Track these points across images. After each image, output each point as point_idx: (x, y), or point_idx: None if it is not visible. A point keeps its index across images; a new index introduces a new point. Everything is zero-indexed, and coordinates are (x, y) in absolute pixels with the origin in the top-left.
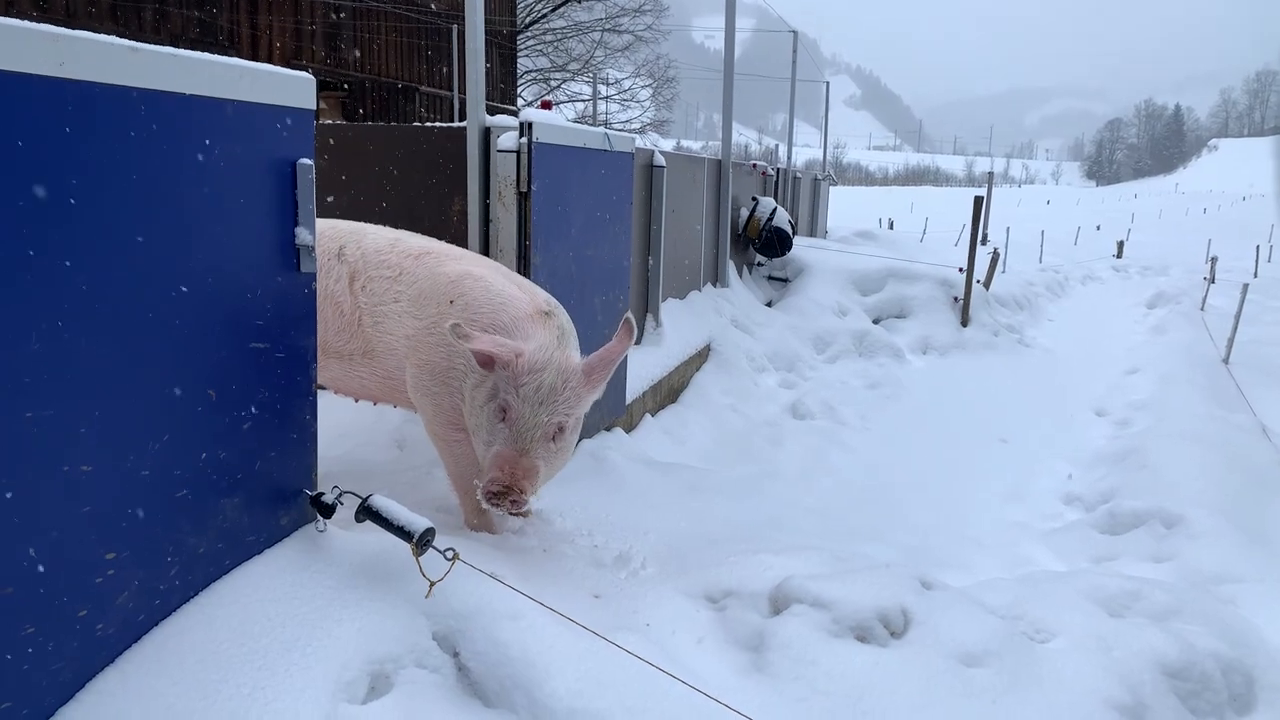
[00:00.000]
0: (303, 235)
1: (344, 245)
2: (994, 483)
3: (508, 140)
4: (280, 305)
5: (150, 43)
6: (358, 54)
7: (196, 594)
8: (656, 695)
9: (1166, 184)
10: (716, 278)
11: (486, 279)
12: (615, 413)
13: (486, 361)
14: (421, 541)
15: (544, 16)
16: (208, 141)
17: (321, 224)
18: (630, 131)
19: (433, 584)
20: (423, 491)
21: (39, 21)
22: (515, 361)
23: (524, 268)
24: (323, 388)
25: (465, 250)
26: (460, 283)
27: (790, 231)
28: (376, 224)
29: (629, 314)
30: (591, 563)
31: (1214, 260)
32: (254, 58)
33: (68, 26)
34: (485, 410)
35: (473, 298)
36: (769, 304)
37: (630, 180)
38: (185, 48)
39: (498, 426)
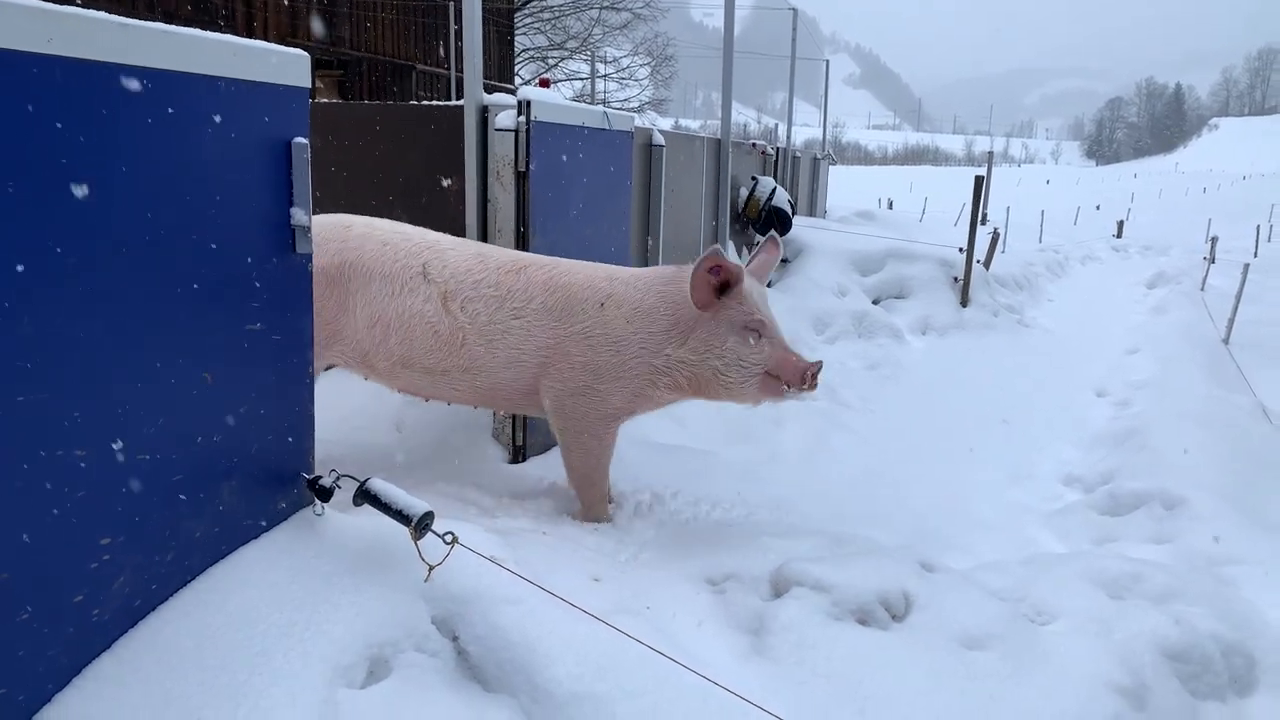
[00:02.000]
0: (298, 215)
1: (427, 263)
2: (994, 464)
3: (505, 119)
4: (276, 287)
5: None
6: (354, 32)
7: (193, 578)
8: (657, 679)
9: (1167, 163)
10: None
11: (618, 273)
12: None
13: (729, 281)
14: (420, 525)
15: None
16: (199, 120)
17: (389, 230)
18: (629, 110)
19: (432, 568)
20: (421, 474)
21: None
22: (743, 279)
23: (522, 248)
24: (331, 376)
25: (546, 257)
26: (598, 287)
27: (790, 211)
28: (380, 207)
29: (773, 232)
30: (591, 546)
31: (1214, 240)
32: (249, 36)
33: (64, 4)
34: (740, 340)
35: (621, 295)
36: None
37: (629, 160)
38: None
39: (759, 344)
